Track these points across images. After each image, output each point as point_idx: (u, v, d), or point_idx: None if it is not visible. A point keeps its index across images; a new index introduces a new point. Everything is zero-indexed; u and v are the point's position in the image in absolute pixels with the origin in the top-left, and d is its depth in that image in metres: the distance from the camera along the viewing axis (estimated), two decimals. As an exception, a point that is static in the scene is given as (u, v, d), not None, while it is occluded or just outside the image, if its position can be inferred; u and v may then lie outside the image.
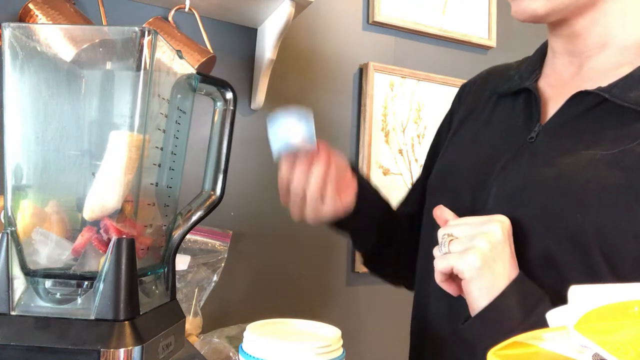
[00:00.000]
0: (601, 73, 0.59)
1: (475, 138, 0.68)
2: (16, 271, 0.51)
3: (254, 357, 0.49)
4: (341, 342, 0.51)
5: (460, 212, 0.62)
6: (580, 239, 0.51)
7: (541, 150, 0.58)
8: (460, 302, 0.60)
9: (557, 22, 0.61)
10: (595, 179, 0.52)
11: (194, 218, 0.64)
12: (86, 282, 0.51)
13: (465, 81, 0.82)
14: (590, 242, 0.50)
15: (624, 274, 0.49)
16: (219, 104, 0.66)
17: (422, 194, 0.78)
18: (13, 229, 0.52)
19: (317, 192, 0.64)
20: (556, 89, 0.63)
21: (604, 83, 0.56)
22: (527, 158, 0.58)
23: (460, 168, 0.67)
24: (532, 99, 0.63)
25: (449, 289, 0.56)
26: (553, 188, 0.54)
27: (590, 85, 0.57)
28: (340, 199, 0.67)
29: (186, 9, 1.10)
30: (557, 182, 0.54)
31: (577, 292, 0.31)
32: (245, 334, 0.51)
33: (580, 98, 0.57)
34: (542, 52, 0.69)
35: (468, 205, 0.62)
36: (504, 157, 0.61)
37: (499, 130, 0.65)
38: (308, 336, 0.52)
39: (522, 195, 0.56)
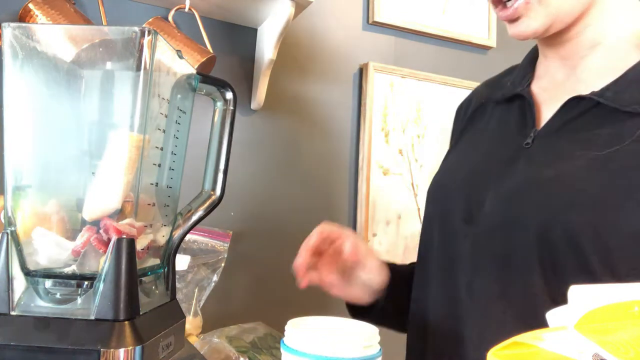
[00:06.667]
0: (594, 73, 0.59)
1: (472, 146, 0.69)
2: (16, 271, 0.51)
3: (297, 351, 0.49)
4: (379, 339, 0.52)
5: (456, 217, 0.63)
6: (577, 240, 0.51)
7: (537, 155, 0.58)
8: (462, 304, 0.60)
9: (553, 35, 0.61)
10: (589, 179, 0.52)
11: (194, 218, 0.64)
12: (86, 282, 0.51)
13: (463, 98, 0.82)
14: (586, 243, 0.50)
15: (621, 275, 0.49)
16: (219, 104, 0.66)
17: None
18: (13, 229, 0.52)
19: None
20: (550, 92, 0.63)
21: (597, 84, 0.56)
22: (524, 163, 0.58)
23: (456, 175, 0.67)
24: (525, 104, 0.63)
25: None
26: (549, 189, 0.54)
27: (584, 87, 0.57)
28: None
29: (186, 9, 1.10)
30: (552, 183, 0.54)
31: (577, 292, 0.31)
32: (287, 328, 0.52)
33: (574, 103, 0.57)
34: (533, 56, 0.69)
35: (464, 211, 0.62)
36: (501, 164, 0.61)
37: (495, 137, 0.66)
38: (347, 332, 0.53)
39: (518, 198, 0.56)
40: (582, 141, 0.55)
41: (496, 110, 0.69)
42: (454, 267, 0.62)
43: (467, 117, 0.75)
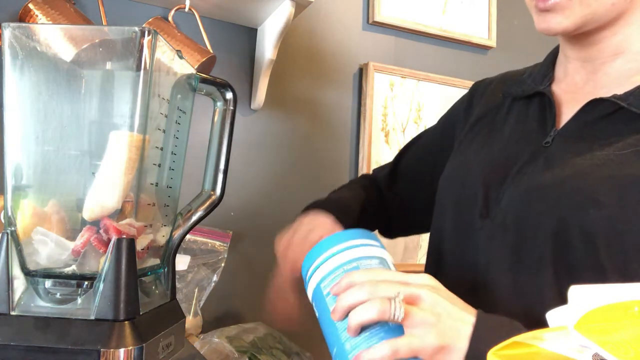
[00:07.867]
0: (615, 80, 0.59)
1: (490, 140, 0.68)
2: (16, 271, 0.51)
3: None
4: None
5: (472, 209, 0.63)
6: (593, 238, 0.51)
7: (557, 154, 0.58)
8: (476, 295, 0.60)
9: (578, 34, 0.60)
10: (609, 177, 0.52)
11: (194, 218, 0.64)
12: (86, 282, 0.51)
13: (475, 81, 0.81)
14: (602, 242, 0.51)
15: (634, 274, 0.49)
16: (219, 104, 0.66)
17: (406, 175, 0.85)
18: (13, 229, 0.52)
19: None
20: (569, 94, 0.63)
21: (619, 90, 0.56)
22: (543, 161, 0.59)
23: (474, 167, 0.66)
24: (546, 103, 0.63)
25: None
26: (567, 186, 0.54)
27: (605, 92, 0.57)
28: None
29: (186, 9, 1.10)
30: (571, 180, 0.54)
31: (577, 292, 0.31)
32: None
33: (595, 105, 0.57)
34: (554, 56, 0.69)
35: (481, 203, 0.62)
36: (520, 161, 0.61)
37: (514, 133, 0.66)
38: None
39: (536, 195, 0.56)
40: (602, 143, 0.55)
41: (514, 105, 0.68)
42: (468, 259, 0.62)
43: (481, 107, 0.74)
